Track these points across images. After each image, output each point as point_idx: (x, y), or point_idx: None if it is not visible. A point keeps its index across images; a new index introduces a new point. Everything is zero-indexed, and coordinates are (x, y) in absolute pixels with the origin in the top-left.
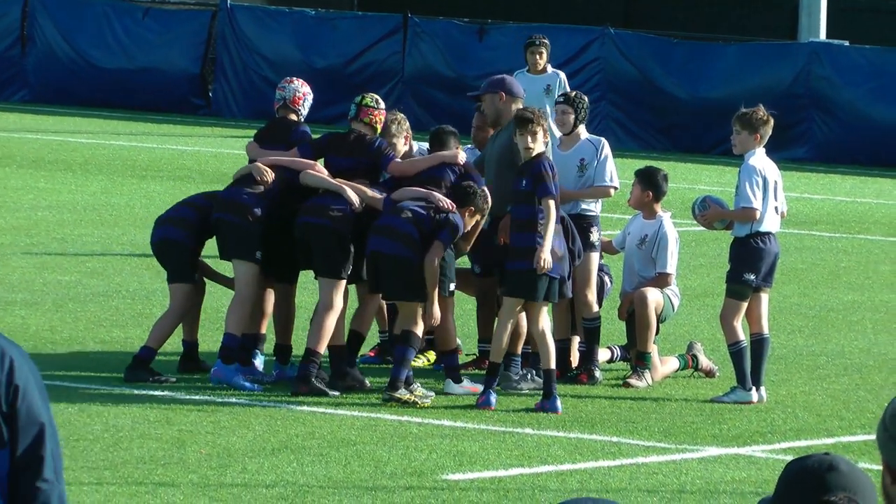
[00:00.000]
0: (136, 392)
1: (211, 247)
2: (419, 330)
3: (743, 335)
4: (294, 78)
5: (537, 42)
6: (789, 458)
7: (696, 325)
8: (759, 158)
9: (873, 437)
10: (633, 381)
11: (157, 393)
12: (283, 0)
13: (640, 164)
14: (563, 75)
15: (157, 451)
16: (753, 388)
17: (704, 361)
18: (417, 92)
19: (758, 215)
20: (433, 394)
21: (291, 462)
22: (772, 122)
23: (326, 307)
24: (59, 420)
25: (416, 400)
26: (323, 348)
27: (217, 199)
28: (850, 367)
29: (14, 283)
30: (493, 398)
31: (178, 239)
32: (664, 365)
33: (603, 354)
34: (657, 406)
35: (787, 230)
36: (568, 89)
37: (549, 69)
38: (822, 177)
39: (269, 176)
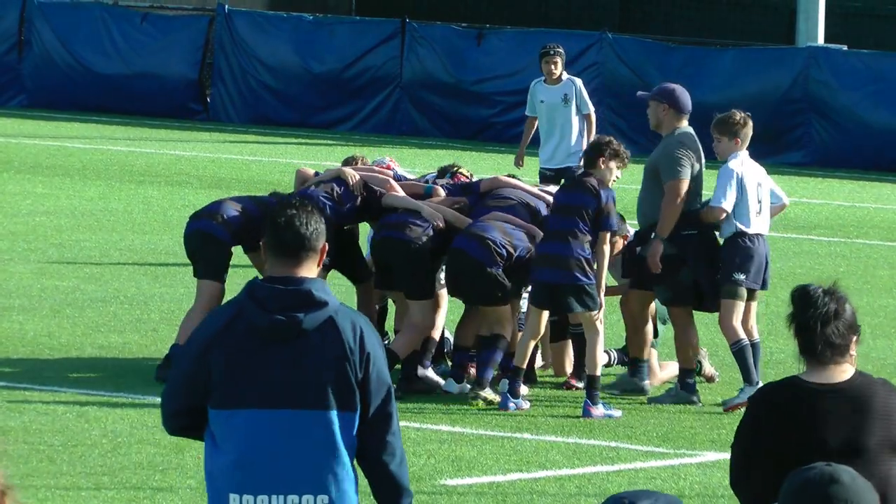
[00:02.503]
0: (133, 398)
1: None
2: (508, 333)
3: (743, 334)
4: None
5: (552, 51)
6: None
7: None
8: (739, 161)
9: None
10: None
11: (155, 398)
12: (282, 5)
13: (638, 168)
14: (578, 82)
15: (156, 457)
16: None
17: (707, 367)
18: (415, 97)
19: (723, 215)
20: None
21: None
22: (750, 123)
23: (416, 325)
24: (56, 426)
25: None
26: (404, 355)
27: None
28: None
29: (11, 288)
30: (594, 409)
31: (215, 234)
32: (664, 370)
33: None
34: (655, 411)
35: (785, 234)
36: (586, 96)
37: (565, 77)
38: (820, 181)
39: (358, 181)
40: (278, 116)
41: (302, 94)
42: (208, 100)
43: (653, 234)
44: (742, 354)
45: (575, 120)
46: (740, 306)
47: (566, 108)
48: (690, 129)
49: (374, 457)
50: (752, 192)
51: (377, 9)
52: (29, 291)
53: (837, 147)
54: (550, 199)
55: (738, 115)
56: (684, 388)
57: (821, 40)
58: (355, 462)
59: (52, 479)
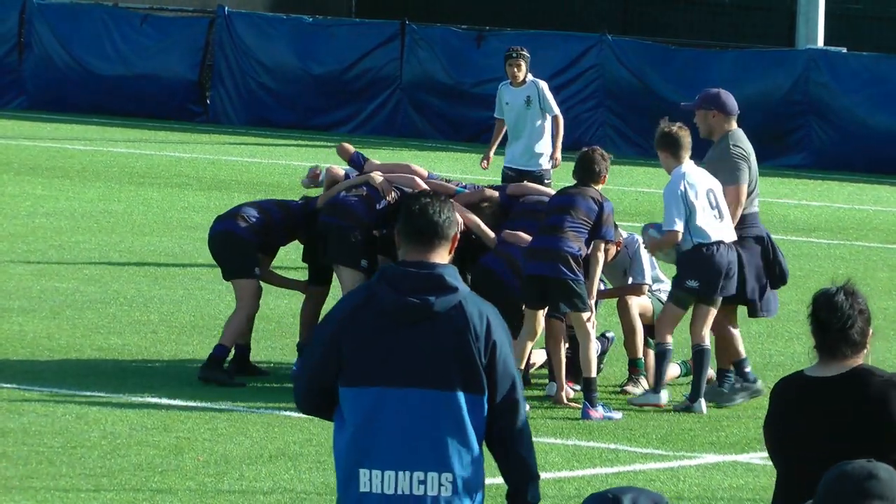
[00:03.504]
0: (133, 399)
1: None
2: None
3: (670, 339)
4: None
5: (515, 54)
6: None
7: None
8: (681, 174)
9: None
10: (629, 388)
11: (154, 400)
12: (281, 7)
13: (639, 171)
14: (542, 85)
15: (155, 459)
16: (664, 392)
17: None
18: (415, 99)
19: (679, 237)
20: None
21: (289, 469)
22: (687, 131)
23: None
24: (56, 427)
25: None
26: None
27: (329, 203)
28: None
29: (11, 290)
30: (594, 412)
31: (239, 233)
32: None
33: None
34: (655, 413)
35: (785, 237)
36: (550, 98)
37: (529, 79)
38: (820, 184)
39: (384, 182)
40: (278, 118)
41: (302, 96)
42: (208, 101)
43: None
44: (660, 358)
45: (539, 122)
46: (680, 315)
47: (529, 111)
48: (740, 130)
49: (503, 441)
50: (702, 201)
51: (377, 11)
52: (28, 293)
53: (837, 149)
54: None
55: (672, 126)
56: (746, 380)
57: (821, 43)
58: (483, 445)
59: (52, 480)
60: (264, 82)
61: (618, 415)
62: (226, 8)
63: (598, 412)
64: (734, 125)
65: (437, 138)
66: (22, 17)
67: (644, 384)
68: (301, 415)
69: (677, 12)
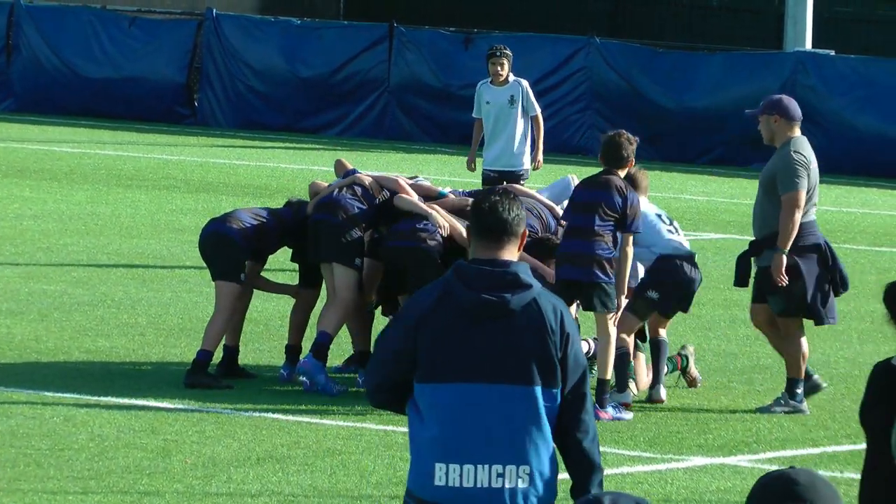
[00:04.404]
0: (120, 401)
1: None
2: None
3: (630, 342)
4: None
5: (499, 53)
6: (774, 467)
7: (682, 335)
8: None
9: (859, 446)
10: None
11: (141, 402)
12: (270, 9)
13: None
14: (525, 84)
15: (143, 461)
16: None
17: (693, 368)
18: (403, 101)
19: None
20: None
21: (276, 471)
22: (645, 173)
23: None
24: (43, 430)
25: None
26: None
27: (320, 202)
28: (836, 376)
29: None
30: (603, 413)
31: (231, 236)
32: (650, 372)
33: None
34: (642, 416)
35: None
36: (532, 97)
37: (512, 78)
38: None
39: (373, 182)
40: (266, 121)
41: (290, 99)
42: (196, 104)
43: (775, 248)
44: (621, 360)
45: (520, 122)
46: (637, 324)
47: (512, 110)
48: (803, 137)
49: (569, 433)
50: (654, 219)
51: (365, 13)
52: (16, 295)
53: (825, 152)
54: (560, 210)
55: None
56: (793, 398)
57: (808, 45)
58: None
59: (39, 483)
60: (252, 85)
61: (628, 415)
62: (214, 10)
63: (608, 413)
64: (797, 131)
65: (425, 141)
66: (10, 20)
67: (634, 388)
68: (289, 417)
69: (665, 15)
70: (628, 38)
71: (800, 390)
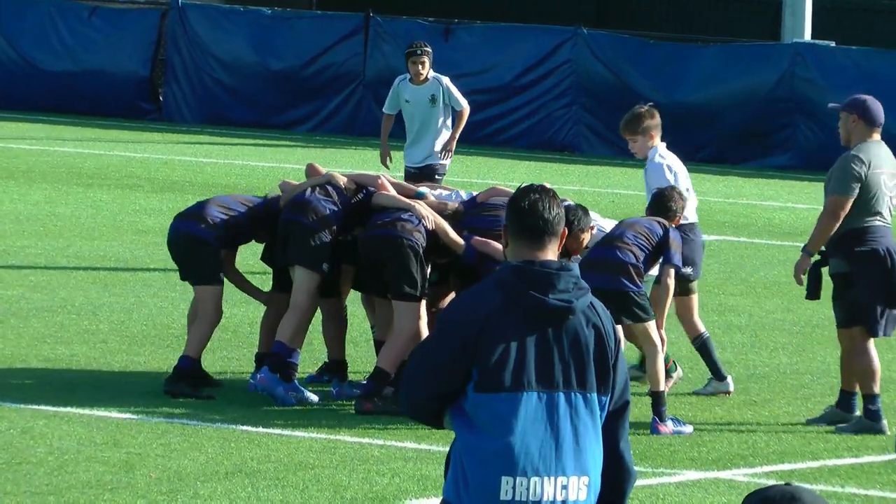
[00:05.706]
0: (81, 412)
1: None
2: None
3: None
4: None
5: (419, 51)
6: (772, 482)
7: (676, 342)
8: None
9: (861, 460)
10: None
11: (103, 413)
12: None
13: (615, 171)
14: (445, 80)
15: (105, 475)
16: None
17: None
18: (379, 96)
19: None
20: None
21: (246, 486)
22: (656, 112)
23: (404, 333)
24: (0, 443)
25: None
26: (394, 370)
27: (292, 201)
28: (837, 386)
29: None
30: (663, 427)
31: (204, 237)
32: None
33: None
34: (633, 428)
35: (770, 241)
36: (455, 92)
37: (432, 76)
38: (807, 185)
39: (348, 181)
40: (235, 116)
41: (260, 93)
42: (161, 98)
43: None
44: (706, 346)
45: (443, 120)
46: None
47: (433, 108)
48: (880, 143)
49: (610, 438)
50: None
51: (339, 2)
52: None
53: (825, 149)
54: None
55: (644, 107)
56: (868, 417)
57: (808, 36)
58: None
59: None
60: (220, 78)
61: (688, 428)
62: None
63: (668, 426)
64: (875, 136)
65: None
66: None
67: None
68: (259, 429)
69: (656, 4)
70: (617, 28)
71: (874, 407)
